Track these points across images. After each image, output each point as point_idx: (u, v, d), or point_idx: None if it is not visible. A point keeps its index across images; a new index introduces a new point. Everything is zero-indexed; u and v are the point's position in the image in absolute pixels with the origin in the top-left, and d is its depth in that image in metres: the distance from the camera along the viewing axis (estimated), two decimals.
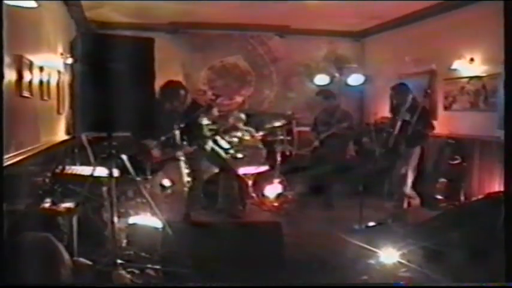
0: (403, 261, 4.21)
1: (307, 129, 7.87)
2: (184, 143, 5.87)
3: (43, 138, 5.53)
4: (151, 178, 6.00)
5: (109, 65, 3.53)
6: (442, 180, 6.95)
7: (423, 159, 6.64)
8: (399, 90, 6.52)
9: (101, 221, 4.34)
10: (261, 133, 7.70)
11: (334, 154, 7.19)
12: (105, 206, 4.21)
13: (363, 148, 8.19)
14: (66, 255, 3.40)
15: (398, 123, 6.18)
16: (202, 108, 5.95)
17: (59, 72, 6.40)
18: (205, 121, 6.20)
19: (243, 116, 8.13)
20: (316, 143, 7.40)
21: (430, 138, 6.60)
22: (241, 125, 7.87)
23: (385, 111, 8.56)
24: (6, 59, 3.97)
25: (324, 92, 7.81)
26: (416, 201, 6.69)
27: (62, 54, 6.64)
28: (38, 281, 3.09)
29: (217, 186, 6.53)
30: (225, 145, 6.75)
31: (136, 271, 3.85)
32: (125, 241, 4.42)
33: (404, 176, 6.30)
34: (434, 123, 6.54)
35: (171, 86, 6.07)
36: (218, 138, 6.64)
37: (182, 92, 6.07)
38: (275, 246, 4.38)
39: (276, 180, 7.20)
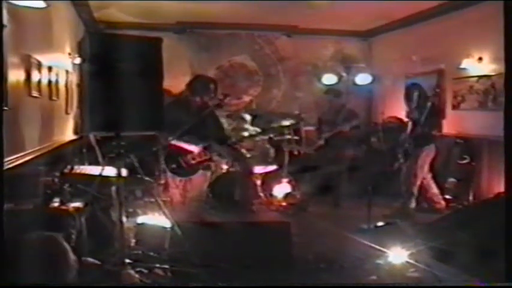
0: (411, 261, 4.20)
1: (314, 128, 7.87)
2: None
3: (52, 138, 5.55)
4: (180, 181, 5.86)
5: (117, 64, 3.54)
6: (451, 180, 6.93)
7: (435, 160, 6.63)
8: (408, 89, 6.56)
9: (110, 220, 4.34)
10: (270, 135, 7.70)
11: (341, 153, 7.19)
12: (114, 206, 4.22)
13: (371, 148, 8.17)
14: (72, 256, 3.40)
15: (410, 123, 6.27)
16: (212, 107, 5.89)
17: (67, 72, 6.43)
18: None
19: (247, 116, 8.15)
20: (321, 142, 7.39)
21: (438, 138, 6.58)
22: (247, 126, 7.89)
23: (392, 111, 8.54)
24: (15, 59, 4.00)
25: (332, 90, 7.81)
26: (441, 205, 6.64)
27: (70, 54, 6.66)
28: (44, 281, 3.10)
29: (226, 185, 6.50)
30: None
31: (145, 270, 3.86)
32: (133, 241, 4.42)
33: (413, 176, 6.32)
34: (443, 122, 6.55)
35: (200, 79, 5.98)
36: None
37: (212, 85, 5.94)
38: (283, 246, 4.38)
39: (285, 180, 7.18)
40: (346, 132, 7.14)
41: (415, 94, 6.34)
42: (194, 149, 5.58)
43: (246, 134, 7.66)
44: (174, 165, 5.58)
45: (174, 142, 5.48)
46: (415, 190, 6.38)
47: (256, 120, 8.30)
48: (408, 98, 6.47)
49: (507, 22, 2.83)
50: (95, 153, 5.26)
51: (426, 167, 6.44)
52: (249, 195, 6.33)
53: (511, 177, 2.85)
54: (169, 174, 5.71)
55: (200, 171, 5.77)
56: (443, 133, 6.69)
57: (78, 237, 3.81)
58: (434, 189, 6.62)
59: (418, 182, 6.39)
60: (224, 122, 7.37)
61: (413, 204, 6.36)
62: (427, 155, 6.36)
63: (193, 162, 5.57)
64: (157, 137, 5.42)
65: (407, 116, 6.59)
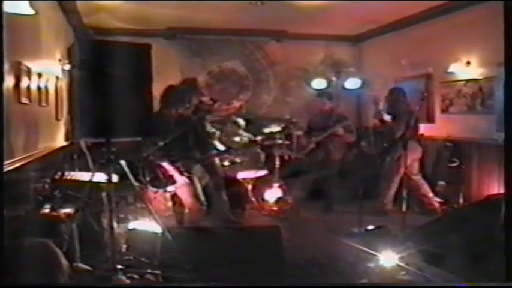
0: (402, 264, 4.21)
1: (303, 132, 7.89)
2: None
3: (42, 144, 5.53)
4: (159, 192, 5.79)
5: (107, 70, 3.53)
6: (441, 183, 6.97)
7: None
8: (393, 93, 6.81)
9: (101, 226, 4.33)
10: (259, 138, 7.69)
11: (332, 157, 7.21)
12: (105, 212, 4.20)
13: (362, 152, 8.20)
14: (65, 261, 3.40)
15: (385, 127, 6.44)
16: (202, 112, 5.83)
17: (57, 78, 6.41)
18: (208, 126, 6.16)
19: (241, 121, 8.14)
20: (312, 146, 7.40)
21: (428, 141, 6.66)
22: (240, 131, 7.88)
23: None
24: (4, 66, 3.98)
25: (325, 93, 7.83)
26: (432, 207, 6.69)
27: (60, 60, 6.64)
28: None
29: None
30: (222, 149, 6.76)
31: (136, 276, 3.85)
32: (124, 246, 4.41)
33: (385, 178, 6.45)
34: (432, 126, 6.61)
35: (173, 90, 5.82)
36: (216, 143, 6.64)
37: (186, 95, 5.80)
38: (274, 250, 4.39)
39: (276, 185, 7.19)
40: (337, 136, 7.16)
41: (401, 98, 6.50)
42: (169, 167, 5.45)
43: (238, 139, 7.66)
44: (151, 177, 5.49)
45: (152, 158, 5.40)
46: (392, 191, 6.56)
47: (247, 125, 8.30)
48: (395, 101, 6.62)
49: (507, 22, 2.86)
50: (85, 159, 5.24)
51: (406, 166, 6.49)
52: (225, 208, 6.23)
53: (511, 177, 2.87)
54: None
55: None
56: (433, 136, 6.74)
57: (70, 243, 3.80)
58: (424, 191, 6.66)
59: (393, 183, 6.54)
60: (219, 127, 7.35)
61: (404, 208, 6.43)
62: (405, 155, 6.39)
63: (171, 173, 5.47)
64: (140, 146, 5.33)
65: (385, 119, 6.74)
